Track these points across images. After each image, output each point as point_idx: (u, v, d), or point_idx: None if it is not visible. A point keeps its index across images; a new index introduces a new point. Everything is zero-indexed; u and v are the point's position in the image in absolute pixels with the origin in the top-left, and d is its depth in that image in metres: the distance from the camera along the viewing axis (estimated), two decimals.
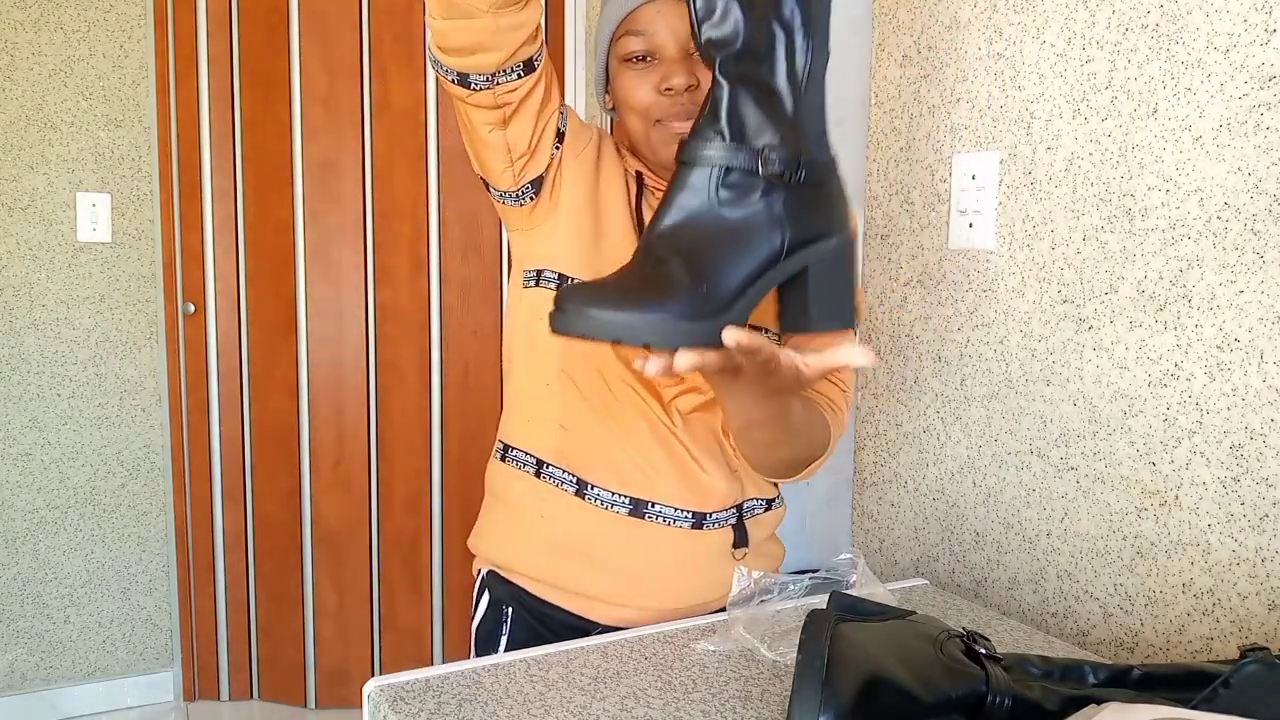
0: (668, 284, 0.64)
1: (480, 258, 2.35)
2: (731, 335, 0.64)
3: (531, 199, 0.95)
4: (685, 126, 0.92)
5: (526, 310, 0.99)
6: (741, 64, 0.67)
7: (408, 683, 0.77)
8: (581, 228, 0.96)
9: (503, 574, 1.02)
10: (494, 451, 1.06)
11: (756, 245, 0.66)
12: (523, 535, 0.99)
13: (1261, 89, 0.90)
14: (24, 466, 2.34)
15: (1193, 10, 0.95)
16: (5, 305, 2.29)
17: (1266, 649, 0.64)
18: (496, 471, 1.04)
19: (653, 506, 0.93)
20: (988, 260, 1.21)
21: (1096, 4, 1.05)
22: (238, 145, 2.34)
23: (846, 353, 0.69)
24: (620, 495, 0.93)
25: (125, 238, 2.39)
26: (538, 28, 0.84)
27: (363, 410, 2.38)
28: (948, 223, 1.26)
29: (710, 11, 0.66)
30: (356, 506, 2.40)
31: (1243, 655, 0.63)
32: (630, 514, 0.93)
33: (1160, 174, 0.99)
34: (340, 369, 2.37)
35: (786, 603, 0.90)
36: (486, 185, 0.97)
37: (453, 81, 0.86)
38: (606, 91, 1.03)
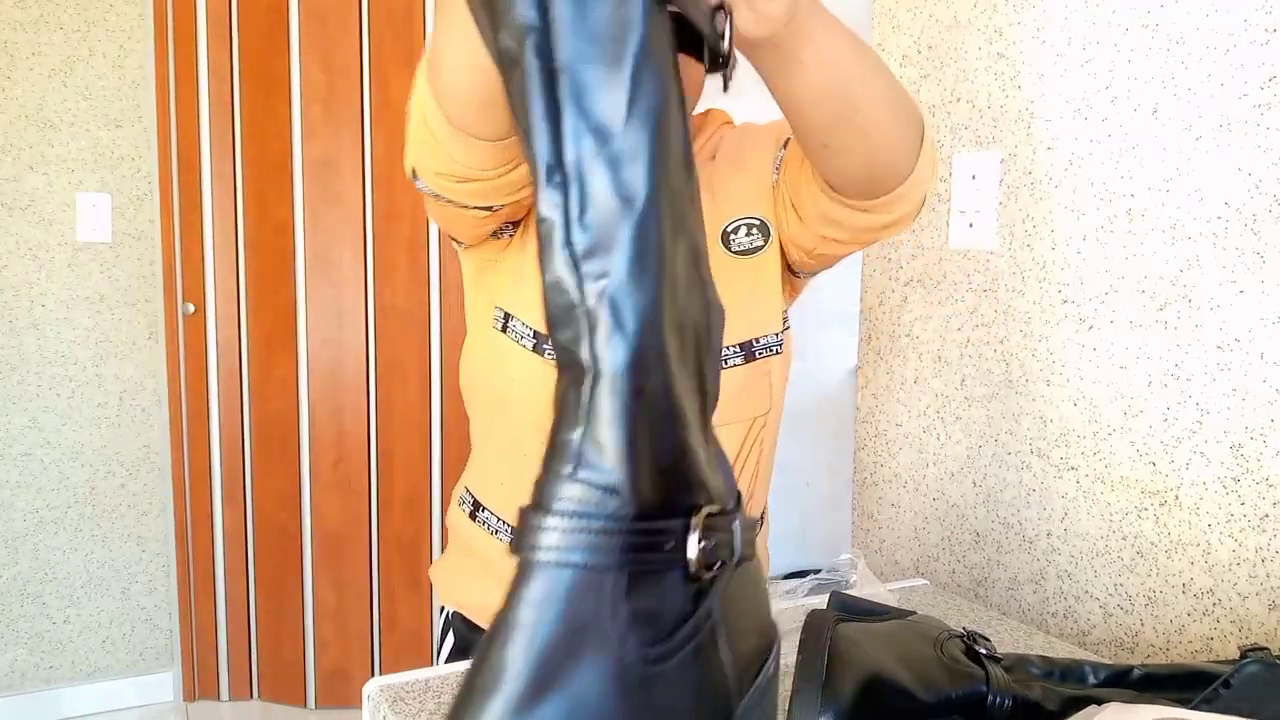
0: None
1: None
2: None
3: (510, 234, 0.87)
4: None
5: (493, 356, 0.89)
6: (660, 340, 0.33)
7: (408, 683, 0.77)
8: None
9: (469, 618, 0.97)
10: (456, 499, 0.99)
11: None
12: (492, 583, 0.93)
13: (1261, 89, 0.90)
14: (24, 466, 2.34)
15: (1193, 10, 0.95)
16: (5, 305, 2.29)
17: (1267, 649, 0.64)
18: (460, 522, 0.98)
19: None
20: (988, 260, 1.21)
21: (1096, 4, 1.05)
22: (238, 145, 2.34)
23: None
24: None
25: (125, 238, 2.39)
26: None
27: (363, 410, 2.37)
28: (948, 222, 1.26)
29: (605, 239, 0.31)
30: (356, 506, 2.40)
31: (1243, 655, 0.63)
32: None
33: (1160, 174, 0.99)
34: (340, 369, 2.37)
35: (786, 603, 0.90)
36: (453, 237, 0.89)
37: (469, 208, 0.75)
38: None
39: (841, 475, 1.47)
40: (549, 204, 0.31)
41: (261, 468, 2.41)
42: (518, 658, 0.29)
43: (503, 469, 0.93)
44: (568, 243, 0.31)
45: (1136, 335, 1.02)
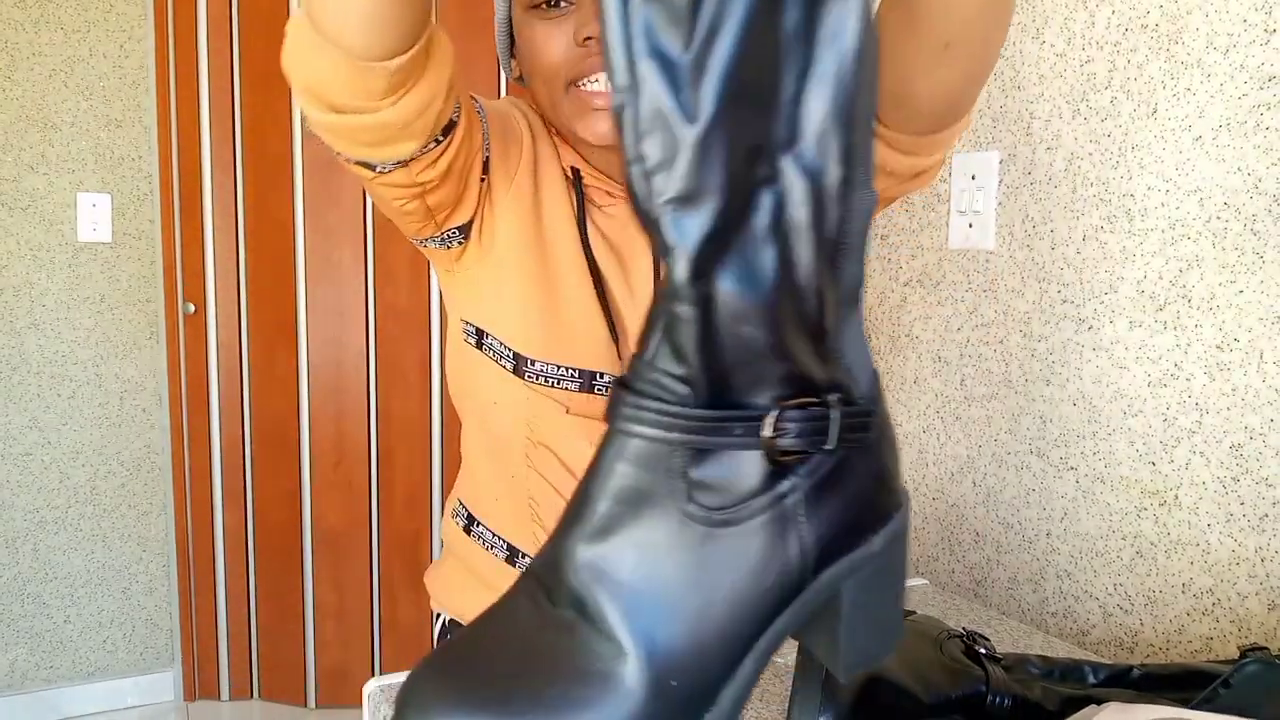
0: (598, 669, 0.34)
1: None
2: None
3: (460, 243, 0.80)
4: (601, 85, 0.76)
5: (471, 371, 0.85)
6: (723, 252, 0.33)
7: None
8: (526, 287, 0.80)
9: (465, 624, 0.95)
10: (450, 510, 0.96)
11: (757, 582, 0.36)
12: (488, 595, 0.90)
13: (1261, 89, 0.90)
14: (24, 466, 2.34)
15: (1193, 10, 0.95)
16: (5, 305, 2.29)
17: (1266, 649, 0.64)
18: (454, 535, 0.95)
19: None
20: (987, 260, 1.21)
21: (1096, 4, 1.05)
22: (238, 145, 2.34)
23: None
24: None
25: (125, 238, 2.39)
26: (450, 81, 0.64)
27: (363, 410, 2.38)
28: (947, 223, 1.26)
29: (668, 156, 0.32)
30: (356, 506, 2.40)
31: (1243, 655, 0.63)
32: None
33: (1160, 174, 0.99)
34: (340, 369, 2.37)
35: None
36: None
37: (351, 163, 0.67)
38: (513, 56, 0.85)
39: None
40: (618, 118, 0.32)
41: (261, 468, 2.42)
42: (597, 496, 0.36)
43: (496, 486, 0.89)
44: (638, 158, 0.32)
45: (1136, 335, 1.02)
